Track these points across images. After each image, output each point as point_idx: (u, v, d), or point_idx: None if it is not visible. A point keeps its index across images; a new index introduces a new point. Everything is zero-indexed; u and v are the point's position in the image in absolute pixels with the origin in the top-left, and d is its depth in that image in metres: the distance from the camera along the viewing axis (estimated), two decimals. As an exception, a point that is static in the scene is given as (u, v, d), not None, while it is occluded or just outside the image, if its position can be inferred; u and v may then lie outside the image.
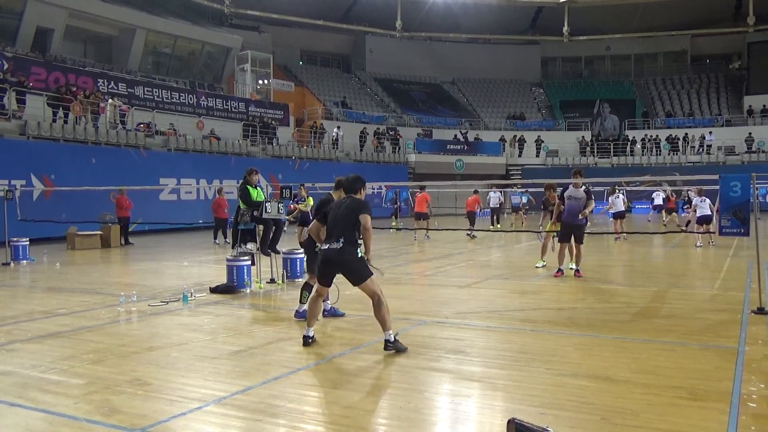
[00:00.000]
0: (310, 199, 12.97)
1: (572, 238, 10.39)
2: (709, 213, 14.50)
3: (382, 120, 38.13)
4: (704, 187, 15.26)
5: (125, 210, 17.84)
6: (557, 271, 10.45)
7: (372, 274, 5.69)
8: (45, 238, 17.23)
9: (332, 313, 7.18)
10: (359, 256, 5.66)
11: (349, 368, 5.26)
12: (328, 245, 5.72)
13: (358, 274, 5.65)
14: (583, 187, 10.27)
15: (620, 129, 41.28)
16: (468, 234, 19.30)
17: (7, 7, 26.86)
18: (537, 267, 11.51)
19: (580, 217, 10.22)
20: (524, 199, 25.08)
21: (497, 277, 11.07)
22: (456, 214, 32.57)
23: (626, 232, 17.16)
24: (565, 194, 10.32)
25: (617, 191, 18.30)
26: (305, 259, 7.95)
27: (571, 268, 10.47)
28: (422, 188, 20.43)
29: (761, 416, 4.00)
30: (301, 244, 13.08)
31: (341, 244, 5.63)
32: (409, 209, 28.81)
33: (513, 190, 24.37)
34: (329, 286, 5.92)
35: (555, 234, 11.17)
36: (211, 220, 18.21)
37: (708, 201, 14.75)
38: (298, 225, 12.30)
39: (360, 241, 5.72)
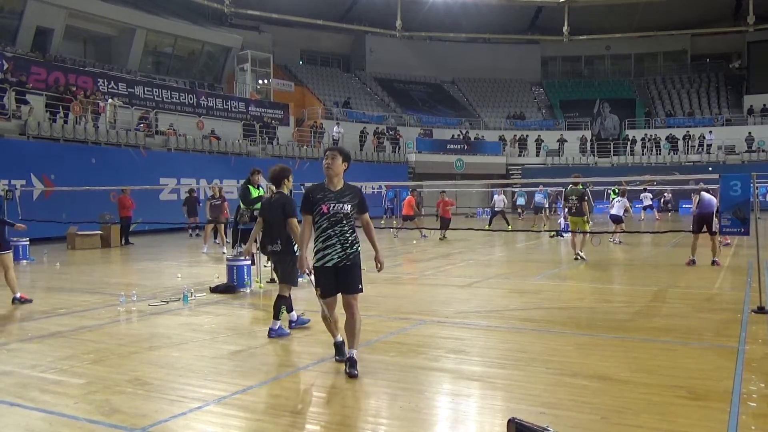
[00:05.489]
0: None
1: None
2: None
3: (382, 120, 38.13)
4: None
5: (127, 210, 17.83)
6: (691, 261, 11.52)
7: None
8: (45, 238, 17.23)
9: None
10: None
11: (349, 368, 5.25)
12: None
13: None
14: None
15: (620, 128, 41.28)
16: (441, 238, 19.15)
17: (7, 7, 26.85)
18: (576, 259, 12.57)
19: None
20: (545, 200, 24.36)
21: (497, 276, 11.07)
22: (455, 214, 32.55)
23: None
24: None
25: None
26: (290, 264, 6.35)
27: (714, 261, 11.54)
28: (413, 191, 20.68)
29: (761, 416, 3.99)
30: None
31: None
32: (397, 209, 28.53)
33: (537, 189, 23.68)
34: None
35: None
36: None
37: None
38: None
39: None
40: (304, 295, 7.98)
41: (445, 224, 18.68)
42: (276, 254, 6.36)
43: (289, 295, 6.42)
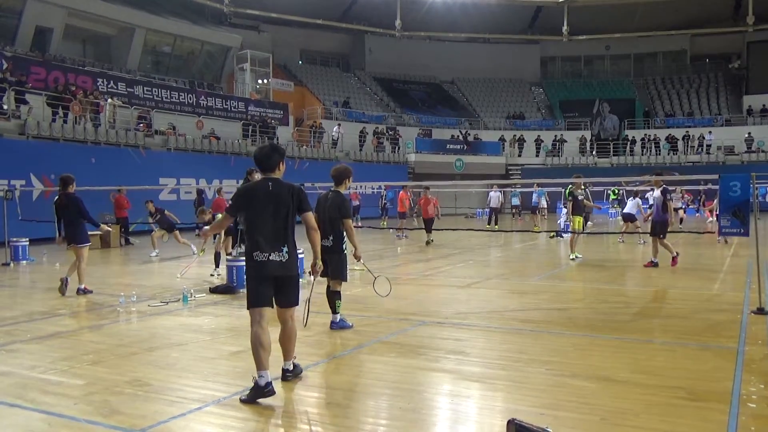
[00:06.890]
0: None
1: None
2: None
3: (381, 119, 38.13)
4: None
5: (123, 210, 17.81)
6: (650, 263, 11.37)
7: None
8: (45, 238, 17.18)
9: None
10: None
11: (349, 368, 5.26)
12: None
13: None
14: (661, 188, 11.53)
15: (620, 129, 41.30)
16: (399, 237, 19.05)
17: (6, 7, 26.85)
18: (571, 259, 12.53)
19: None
20: (543, 200, 24.23)
21: (497, 277, 11.07)
22: (456, 214, 32.58)
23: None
24: (653, 196, 11.78)
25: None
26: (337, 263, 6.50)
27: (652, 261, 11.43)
28: (403, 187, 20.74)
29: (761, 416, 4.00)
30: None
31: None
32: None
33: (533, 189, 23.66)
34: None
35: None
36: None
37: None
38: (226, 234, 11.63)
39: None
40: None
41: (428, 225, 17.20)
42: (326, 250, 6.28)
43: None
